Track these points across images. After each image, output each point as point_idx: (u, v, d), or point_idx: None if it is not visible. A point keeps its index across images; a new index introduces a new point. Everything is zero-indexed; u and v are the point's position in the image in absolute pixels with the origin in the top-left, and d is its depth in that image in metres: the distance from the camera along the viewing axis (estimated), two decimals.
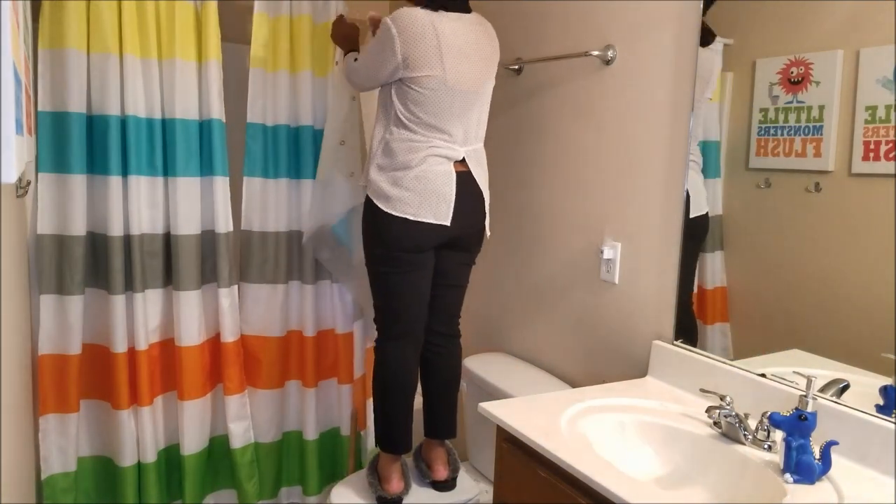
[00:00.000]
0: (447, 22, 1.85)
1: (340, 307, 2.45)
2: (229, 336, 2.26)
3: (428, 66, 1.83)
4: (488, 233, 2.05)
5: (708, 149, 1.65)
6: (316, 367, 2.43)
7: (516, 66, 2.27)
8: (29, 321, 2.02)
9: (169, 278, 2.20)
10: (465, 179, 1.93)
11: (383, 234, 1.92)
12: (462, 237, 1.98)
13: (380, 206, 1.90)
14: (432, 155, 1.88)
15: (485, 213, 1.99)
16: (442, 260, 2.02)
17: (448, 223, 1.89)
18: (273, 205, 2.33)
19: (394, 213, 1.88)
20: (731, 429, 1.41)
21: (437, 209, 1.88)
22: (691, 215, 1.69)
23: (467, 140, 1.93)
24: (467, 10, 1.94)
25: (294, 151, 2.34)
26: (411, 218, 1.87)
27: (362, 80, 2.00)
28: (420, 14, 1.82)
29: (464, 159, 1.93)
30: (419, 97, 1.86)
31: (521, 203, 2.31)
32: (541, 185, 2.21)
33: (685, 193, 1.70)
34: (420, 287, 1.98)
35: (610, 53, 1.90)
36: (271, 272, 2.35)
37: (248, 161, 2.28)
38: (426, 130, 1.88)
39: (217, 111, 2.16)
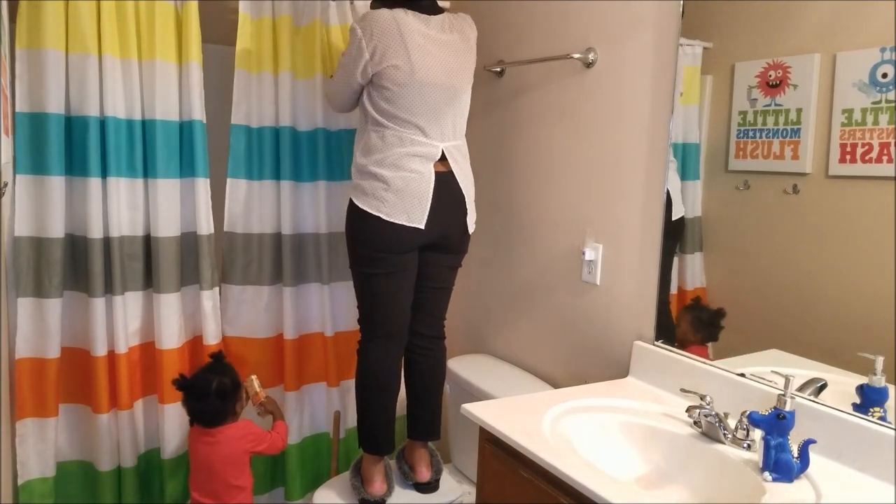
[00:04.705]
0: (411, 19, 1.88)
1: (330, 309, 2.44)
2: (212, 339, 2.24)
3: (393, 55, 1.84)
4: (472, 228, 2.03)
5: (687, 151, 1.66)
6: (300, 370, 2.42)
7: (498, 69, 2.28)
8: (6, 325, 1.99)
9: (149, 281, 2.18)
10: (445, 180, 1.93)
11: (361, 233, 1.92)
12: (443, 239, 1.97)
13: (358, 204, 1.91)
14: (410, 154, 1.88)
15: (466, 213, 1.99)
16: (426, 262, 2.02)
17: (422, 226, 1.89)
18: (258, 207, 2.32)
19: (370, 210, 1.88)
20: (710, 428, 1.42)
21: (412, 212, 1.88)
22: (673, 217, 1.71)
23: (445, 137, 1.93)
24: (434, 12, 1.95)
25: (279, 153, 2.33)
26: (385, 218, 1.87)
27: (338, 92, 2.01)
28: (382, 12, 1.88)
29: (444, 158, 1.92)
30: (390, 94, 1.87)
31: (503, 205, 2.32)
32: (523, 186, 2.22)
33: (665, 195, 1.72)
34: (402, 288, 1.98)
35: (591, 56, 1.91)
36: (255, 274, 2.34)
37: (232, 163, 2.26)
38: (401, 126, 1.88)
39: (198, 112, 2.15)
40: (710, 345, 1.63)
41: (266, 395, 2.17)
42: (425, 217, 1.89)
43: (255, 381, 2.15)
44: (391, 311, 1.99)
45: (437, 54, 1.90)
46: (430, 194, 1.89)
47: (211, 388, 1.96)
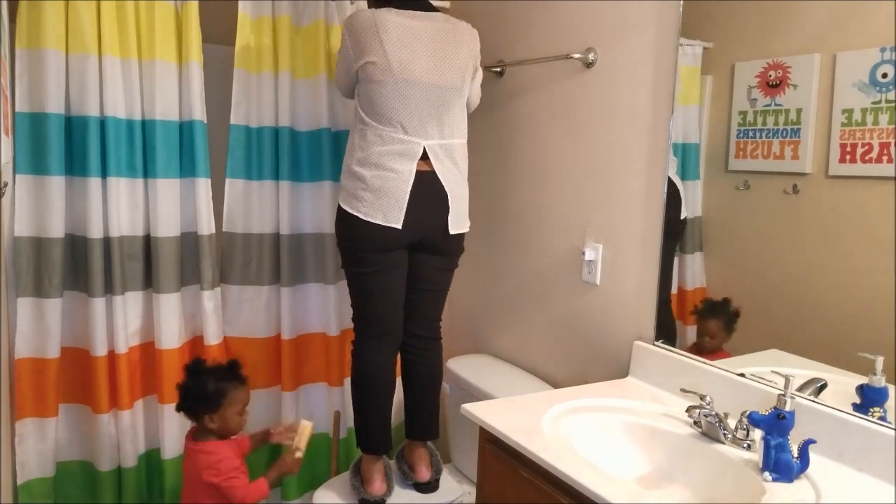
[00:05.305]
0: (392, 16, 1.89)
1: (336, 308, 2.44)
2: (213, 339, 2.24)
3: (369, 52, 1.87)
4: (458, 229, 1.99)
5: (687, 151, 1.66)
6: (300, 370, 2.42)
7: (498, 69, 2.28)
8: (6, 325, 1.99)
9: (149, 281, 2.18)
10: (426, 179, 1.91)
11: (346, 233, 1.95)
12: (427, 238, 1.96)
13: (341, 204, 1.94)
14: (390, 153, 1.88)
15: (448, 213, 1.95)
16: (416, 263, 2.02)
17: (399, 226, 1.89)
18: (257, 207, 2.32)
19: (350, 210, 1.91)
20: (710, 428, 1.42)
21: (388, 211, 1.88)
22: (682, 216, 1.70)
23: (428, 135, 1.91)
24: (425, 9, 1.96)
25: (278, 153, 2.33)
26: (362, 217, 1.88)
27: (339, 83, 2.08)
28: (364, 11, 1.92)
29: (427, 157, 1.91)
30: (370, 90, 1.89)
31: (503, 205, 2.32)
32: (523, 186, 2.22)
33: (665, 195, 1.72)
34: (392, 287, 1.98)
35: (591, 56, 1.91)
36: (255, 274, 2.34)
37: (231, 163, 2.26)
38: (382, 124, 1.89)
39: (198, 112, 2.15)
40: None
41: (300, 455, 1.97)
42: (402, 216, 1.89)
43: (307, 430, 1.97)
44: (382, 310, 1.99)
45: (419, 50, 1.89)
46: (407, 193, 1.88)
47: (196, 383, 1.85)
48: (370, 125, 1.90)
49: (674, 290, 1.71)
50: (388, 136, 1.88)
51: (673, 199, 1.70)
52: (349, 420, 2.49)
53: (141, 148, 2.11)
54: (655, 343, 1.75)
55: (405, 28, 1.89)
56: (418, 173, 1.90)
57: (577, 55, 1.91)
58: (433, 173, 1.92)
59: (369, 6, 1.98)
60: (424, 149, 1.91)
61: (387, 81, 1.86)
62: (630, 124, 1.81)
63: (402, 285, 2.01)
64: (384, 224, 1.88)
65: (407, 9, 1.92)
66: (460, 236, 2.03)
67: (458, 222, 1.99)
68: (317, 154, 2.37)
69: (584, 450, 1.43)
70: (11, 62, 1.97)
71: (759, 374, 1.49)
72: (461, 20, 2.03)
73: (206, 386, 1.85)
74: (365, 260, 1.94)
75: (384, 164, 1.88)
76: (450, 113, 1.95)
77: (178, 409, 1.91)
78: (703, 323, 1.64)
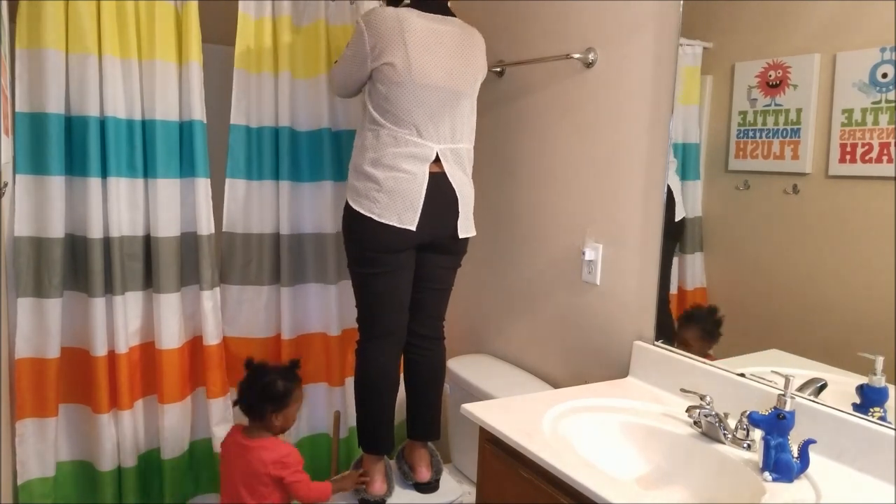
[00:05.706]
0: (415, 18, 1.88)
1: (337, 308, 2.44)
2: (212, 339, 2.24)
3: (391, 53, 1.85)
4: (466, 234, 2.00)
5: (687, 151, 1.66)
6: (300, 369, 2.41)
7: (499, 69, 2.28)
8: (6, 325, 1.99)
9: (149, 281, 2.18)
10: (438, 181, 1.92)
11: (356, 234, 1.94)
12: (437, 239, 1.97)
13: (351, 204, 1.93)
14: (404, 154, 1.87)
15: (458, 216, 1.96)
16: (424, 263, 2.02)
17: (413, 228, 1.89)
18: (257, 207, 2.32)
19: (362, 211, 1.90)
20: (710, 428, 1.42)
21: (403, 213, 1.88)
22: (675, 218, 1.71)
23: (441, 139, 1.92)
24: (444, 13, 1.96)
25: (278, 153, 2.33)
26: (376, 219, 1.88)
27: (340, 82, 2.04)
28: (387, 9, 1.89)
29: (438, 159, 1.92)
30: (387, 91, 1.88)
31: (503, 205, 2.32)
32: (523, 186, 2.22)
33: (666, 195, 1.72)
34: (399, 288, 1.98)
35: (591, 56, 1.91)
36: (255, 274, 2.34)
37: (231, 163, 2.26)
38: (396, 126, 1.88)
39: (198, 112, 2.15)
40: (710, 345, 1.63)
41: None
42: (417, 218, 1.89)
43: None
44: (388, 311, 1.99)
45: (440, 54, 1.89)
46: (422, 195, 1.89)
47: (266, 382, 1.90)
48: (384, 126, 1.89)
49: (673, 290, 1.71)
50: (403, 139, 1.88)
51: (668, 200, 1.70)
52: (350, 420, 2.49)
53: (141, 148, 2.12)
54: (655, 343, 1.75)
55: (429, 32, 1.88)
56: (431, 174, 1.90)
57: (577, 55, 1.91)
58: (444, 175, 1.93)
59: (388, 3, 1.97)
60: (437, 153, 1.91)
61: (404, 83, 1.86)
62: (630, 124, 1.81)
63: (408, 286, 2.01)
64: (399, 226, 1.88)
65: (428, 11, 1.92)
66: (466, 238, 2.03)
67: (465, 226, 2.00)
68: (317, 154, 2.37)
69: (584, 450, 1.43)
70: (11, 62, 1.97)
71: (759, 374, 1.49)
72: (471, 25, 2.04)
73: (276, 385, 1.91)
74: (376, 260, 1.93)
75: (398, 166, 1.87)
76: (461, 117, 1.96)
77: (244, 407, 1.94)
78: (681, 330, 1.67)
